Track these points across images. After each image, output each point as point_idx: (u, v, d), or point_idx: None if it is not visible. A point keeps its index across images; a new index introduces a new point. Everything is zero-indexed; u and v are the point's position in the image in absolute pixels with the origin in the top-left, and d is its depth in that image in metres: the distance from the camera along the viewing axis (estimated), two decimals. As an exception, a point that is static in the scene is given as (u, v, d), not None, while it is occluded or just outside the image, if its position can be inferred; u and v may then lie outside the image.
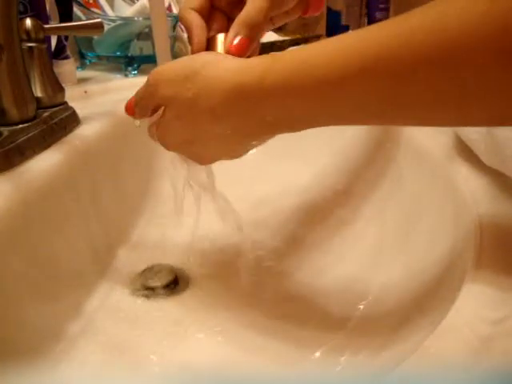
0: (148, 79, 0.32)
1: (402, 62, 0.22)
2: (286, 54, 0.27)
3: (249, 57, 0.33)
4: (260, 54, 0.37)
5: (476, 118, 0.24)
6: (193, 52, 0.35)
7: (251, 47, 0.34)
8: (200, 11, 0.36)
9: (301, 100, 0.26)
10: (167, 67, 0.31)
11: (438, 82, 0.22)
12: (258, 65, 0.27)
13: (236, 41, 0.33)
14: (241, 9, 0.35)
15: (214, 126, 0.29)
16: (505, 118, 0.23)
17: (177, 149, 0.33)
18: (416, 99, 0.23)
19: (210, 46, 0.35)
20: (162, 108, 0.31)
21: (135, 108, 0.34)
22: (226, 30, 0.36)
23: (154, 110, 0.32)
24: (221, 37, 0.35)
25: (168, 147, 0.33)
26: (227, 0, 0.37)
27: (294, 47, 0.27)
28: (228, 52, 0.33)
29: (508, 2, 0.19)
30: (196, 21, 0.35)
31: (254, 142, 0.31)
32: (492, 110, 0.22)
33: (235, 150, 0.32)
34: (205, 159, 0.33)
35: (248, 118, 0.28)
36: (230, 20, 0.37)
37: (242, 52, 0.33)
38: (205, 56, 0.30)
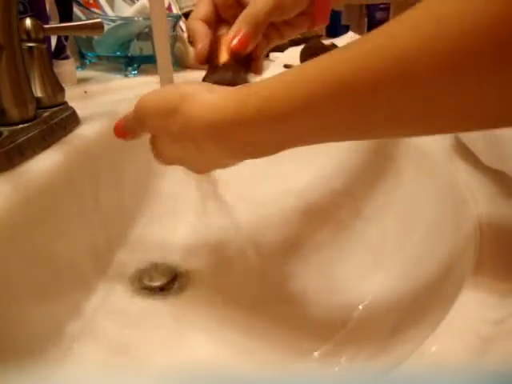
0: (136, 109, 0.34)
1: (362, 85, 0.22)
2: (254, 89, 0.28)
3: (249, 54, 0.35)
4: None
5: (444, 128, 0.25)
6: (196, 55, 0.36)
7: (252, 44, 0.35)
8: (207, 21, 0.37)
9: (271, 133, 0.27)
10: (151, 100, 0.33)
11: (400, 100, 0.22)
12: (232, 101, 0.28)
13: (237, 37, 0.34)
14: None
15: (200, 153, 0.31)
16: (472, 123, 0.24)
17: (172, 164, 0.35)
18: (381, 118, 0.24)
19: (213, 49, 0.36)
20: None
21: (127, 132, 0.36)
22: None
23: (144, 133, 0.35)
24: (224, 39, 0.36)
25: (164, 163, 0.35)
26: (233, 12, 0.38)
27: (263, 79, 0.28)
28: (229, 47, 0.34)
29: (453, 26, 0.20)
30: (200, 28, 0.37)
31: (240, 161, 0.32)
32: (449, 119, 0.23)
33: (225, 165, 0.34)
34: (199, 172, 0.35)
35: (228, 148, 0.30)
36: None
37: (242, 47, 0.34)
38: (183, 89, 0.31)
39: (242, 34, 0.34)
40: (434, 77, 0.21)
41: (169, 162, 0.35)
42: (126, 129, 0.36)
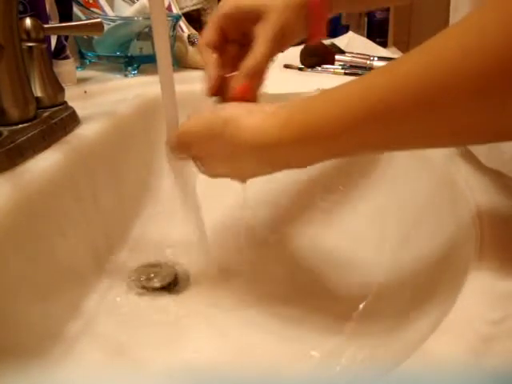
0: (179, 136, 0.36)
1: (396, 108, 0.25)
2: (293, 113, 0.30)
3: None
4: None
5: (468, 141, 0.30)
6: (207, 88, 0.39)
7: (253, 91, 0.38)
8: (213, 45, 0.40)
9: (310, 151, 0.30)
10: (194, 127, 0.35)
11: (430, 121, 0.25)
12: (274, 126, 0.30)
13: (239, 88, 0.37)
14: (250, 38, 0.39)
15: (245, 170, 0.35)
16: (495, 137, 0.26)
17: (217, 178, 0.37)
18: (412, 136, 0.27)
19: (224, 84, 0.39)
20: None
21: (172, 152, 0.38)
22: (238, 57, 0.40)
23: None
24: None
25: (209, 177, 0.37)
26: (239, 32, 0.40)
27: (300, 98, 0.31)
28: (233, 98, 0.37)
29: (481, 54, 0.22)
30: (208, 57, 0.39)
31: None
32: (475, 134, 0.26)
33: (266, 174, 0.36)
34: (243, 180, 0.37)
35: (271, 165, 0.33)
36: (242, 47, 0.41)
37: (244, 98, 0.37)
38: (224, 113, 0.33)
39: (242, 86, 0.37)
40: (463, 99, 0.23)
41: (214, 176, 0.37)
42: (171, 153, 0.38)
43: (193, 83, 0.65)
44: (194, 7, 0.86)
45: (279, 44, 0.38)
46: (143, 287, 0.43)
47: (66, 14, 0.65)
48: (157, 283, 0.43)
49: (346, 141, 0.28)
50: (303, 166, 0.32)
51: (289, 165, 0.32)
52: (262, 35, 0.38)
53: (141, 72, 0.71)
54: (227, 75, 0.39)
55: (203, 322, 0.40)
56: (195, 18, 0.87)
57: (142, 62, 0.72)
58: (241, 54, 0.40)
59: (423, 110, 0.24)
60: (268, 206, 0.55)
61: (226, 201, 0.47)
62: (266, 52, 0.38)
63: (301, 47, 0.76)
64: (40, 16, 0.55)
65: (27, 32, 0.43)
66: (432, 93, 0.24)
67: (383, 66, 0.27)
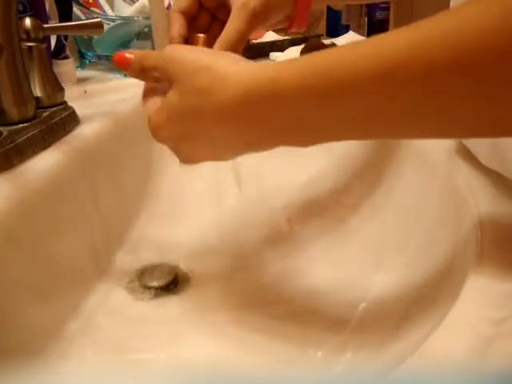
0: (163, 53, 0.31)
1: (419, 68, 0.22)
2: (299, 58, 0.26)
3: None
4: (260, 52, 0.38)
5: (488, 129, 0.24)
6: (170, 43, 0.36)
7: None
8: (186, 12, 0.38)
9: (314, 105, 0.25)
10: (181, 51, 0.30)
11: (455, 88, 0.22)
12: (274, 65, 0.26)
13: None
14: (226, 10, 0.37)
15: (216, 127, 0.28)
16: None
17: (167, 142, 0.32)
18: (434, 105, 0.23)
19: (189, 44, 0.37)
20: (170, 91, 0.30)
21: (133, 64, 0.32)
22: (208, 28, 0.39)
23: (154, 79, 0.32)
24: (201, 37, 0.37)
25: (158, 138, 0.31)
26: (214, 1, 0.39)
27: (306, 54, 0.26)
28: None
29: None
30: (178, 20, 0.37)
31: (249, 152, 0.30)
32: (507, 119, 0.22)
33: (225, 155, 0.31)
34: (191, 159, 0.32)
35: (255, 122, 0.27)
36: (214, 19, 0.40)
37: None
38: (216, 52, 0.31)
39: None
40: (499, 66, 0.20)
41: (166, 136, 0.31)
42: (135, 61, 0.32)
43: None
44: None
45: (256, 24, 0.36)
46: (143, 287, 0.43)
47: (65, 14, 0.65)
48: (157, 283, 0.43)
49: (349, 104, 0.24)
50: (293, 136, 0.27)
51: (275, 128, 0.27)
52: (241, 9, 0.35)
53: (141, 72, 0.71)
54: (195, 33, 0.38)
55: (203, 322, 0.39)
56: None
57: (142, 62, 0.72)
58: (210, 27, 0.39)
59: (446, 75, 0.21)
60: (267, 207, 0.55)
61: (226, 202, 0.47)
62: (243, 27, 0.35)
63: (301, 47, 0.76)
64: (40, 16, 0.55)
65: (27, 32, 0.43)
66: (460, 55, 0.21)
67: (405, 26, 0.23)
